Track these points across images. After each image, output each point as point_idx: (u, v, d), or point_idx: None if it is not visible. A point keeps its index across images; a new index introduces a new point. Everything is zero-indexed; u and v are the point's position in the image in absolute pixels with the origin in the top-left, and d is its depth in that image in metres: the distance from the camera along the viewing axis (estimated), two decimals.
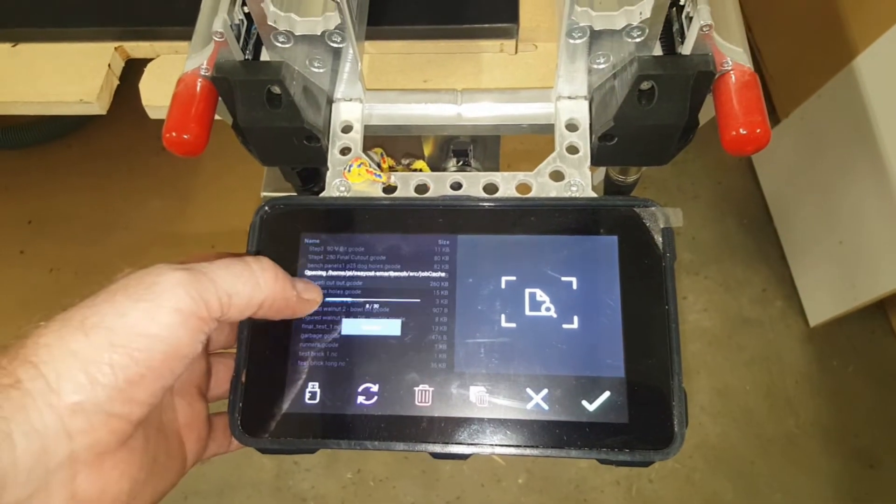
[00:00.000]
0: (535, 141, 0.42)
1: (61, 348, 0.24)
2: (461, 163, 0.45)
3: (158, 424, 0.29)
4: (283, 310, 0.31)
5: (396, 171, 0.37)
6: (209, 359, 0.34)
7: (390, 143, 0.42)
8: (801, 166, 1.16)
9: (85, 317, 0.25)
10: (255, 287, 0.28)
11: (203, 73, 0.34)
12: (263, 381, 0.32)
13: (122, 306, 0.25)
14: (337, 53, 0.35)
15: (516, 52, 0.41)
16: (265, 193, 0.62)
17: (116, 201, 1.35)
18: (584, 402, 0.30)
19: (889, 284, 0.98)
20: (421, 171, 0.39)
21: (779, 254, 1.23)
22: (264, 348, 0.32)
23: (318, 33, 0.33)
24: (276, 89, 0.33)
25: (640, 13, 0.31)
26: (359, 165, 0.36)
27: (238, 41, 0.34)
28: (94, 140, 1.38)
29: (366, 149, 0.37)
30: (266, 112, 0.34)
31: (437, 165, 0.47)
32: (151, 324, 0.25)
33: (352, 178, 0.36)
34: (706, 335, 1.19)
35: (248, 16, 0.35)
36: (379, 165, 0.38)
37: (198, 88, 0.34)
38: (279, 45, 0.33)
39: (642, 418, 0.30)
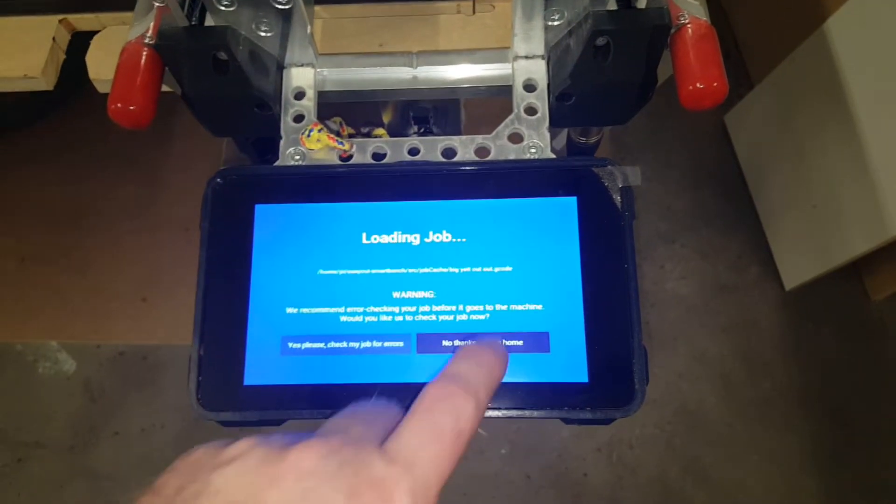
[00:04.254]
0: (501, 105, 0.41)
1: None
2: (422, 129, 0.44)
3: None
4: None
5: (356, 139, 0.36)
6: None
7: (348, 112, 0.41)
8: (774, 132, 1.17)
9: None
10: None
11: (147, 42, 0.33)
12: (222, 355, 0.31)
13: None
14: (285, 16, 0.33)
15: (473, 13, 0.40)
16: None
17: (86, 188, 1.32)
18: (545, 363, 0.30)
19: (862, 246, 0.98)
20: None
21: (754, 220, 1.23)
22: (221, 322, 0.32)
23: None
24: (223, 55, 0.32)
25: None
26: (319, 130, 0.35)
27: (182, 7, 0.33)
28: (61, 127, 1.35)
29: (323, 118, 0.36)
30: (213, 80, 0.33)
31: (397, 133, 0.46)
32: None
33: (310, 143, 0.35)
34: (684, 303, 1.20)
35: None
36: (338, 133, 0.37)
37: (142, 58, 0.33)
38: (223, 8, 0.32)
39: (603, 377, 0.30)
